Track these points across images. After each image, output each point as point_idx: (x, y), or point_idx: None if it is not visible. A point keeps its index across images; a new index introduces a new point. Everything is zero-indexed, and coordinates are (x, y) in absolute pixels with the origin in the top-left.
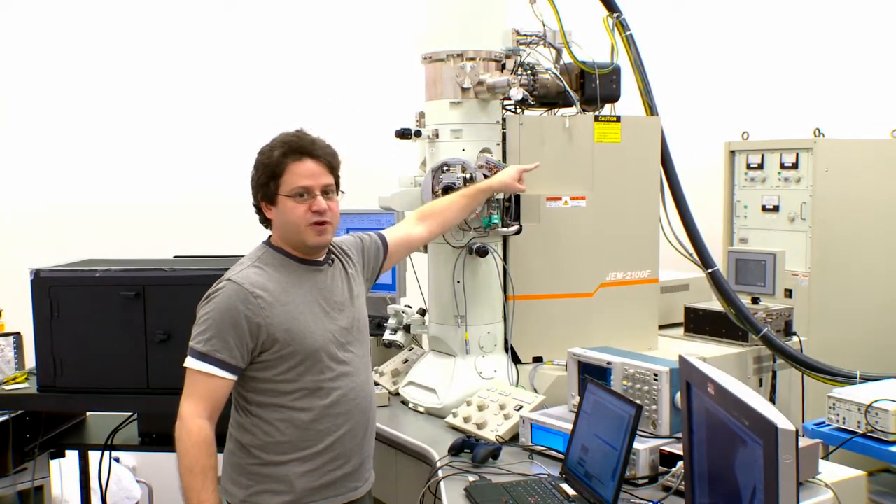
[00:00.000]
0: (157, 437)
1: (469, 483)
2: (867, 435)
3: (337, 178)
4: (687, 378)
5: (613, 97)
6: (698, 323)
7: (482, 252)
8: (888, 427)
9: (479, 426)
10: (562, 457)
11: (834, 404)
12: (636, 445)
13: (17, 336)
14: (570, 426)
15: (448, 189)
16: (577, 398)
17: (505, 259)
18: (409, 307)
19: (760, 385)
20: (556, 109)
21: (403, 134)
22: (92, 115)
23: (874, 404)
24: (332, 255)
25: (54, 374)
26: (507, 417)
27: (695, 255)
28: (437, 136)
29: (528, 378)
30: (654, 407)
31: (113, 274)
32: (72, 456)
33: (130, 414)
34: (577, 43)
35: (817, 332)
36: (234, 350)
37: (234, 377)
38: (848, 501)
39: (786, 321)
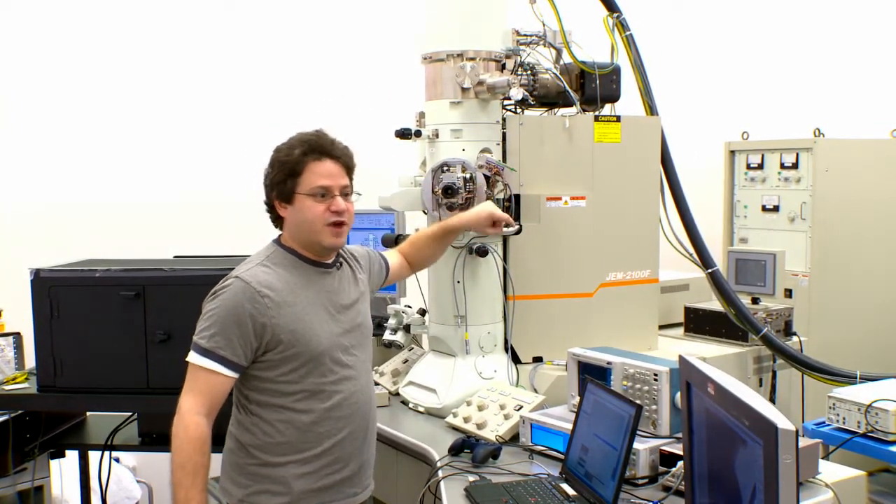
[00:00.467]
0: (157, 437)
1: (469, 483)
2: (867, 435)
3: (352, 179)
4: (687, 378)
5: (613, 97)
6: (698, 323)
7: (482, 252)
8: (888, 427)
9: (479, 426)
10: (562, 457)
11: (834, 404)
12: (636, 445)
13: (17, 336)
14: (570, 426)
15: (448, 189)
16: (577, 398)
17: (505, 259)
18: (409, 307)
19: (760, 385)
20: (556, 109)
21: (403, 134)
22: (92, 115)
23: (874, 404)
24: (341, 259)
25: (54, 374)
26: (507, 417)
27: (695, 255)
28: (437, 135)
29: (528, 378)
30: (654, 407)
31: (113, 274)
32: (72, 456)
33: (130, 414)
34: (577, 43)
35: (817, 332)
36: (237, 348)
37: (235, 375)
38: (848, 501)
39: (786, 321)
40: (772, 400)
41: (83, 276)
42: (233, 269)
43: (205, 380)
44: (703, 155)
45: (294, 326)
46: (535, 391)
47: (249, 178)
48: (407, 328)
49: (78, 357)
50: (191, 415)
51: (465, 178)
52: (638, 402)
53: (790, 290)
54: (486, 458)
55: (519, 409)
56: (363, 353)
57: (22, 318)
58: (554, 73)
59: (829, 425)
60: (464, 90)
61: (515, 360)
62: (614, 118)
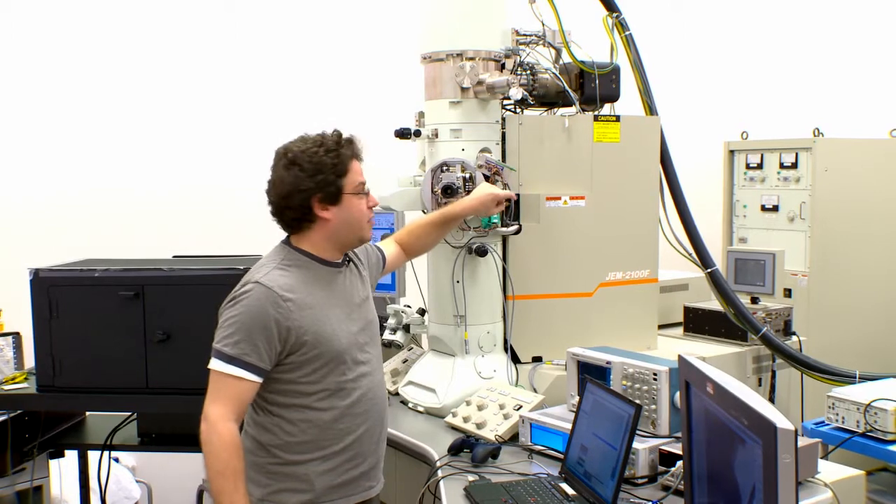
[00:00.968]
0: (157, 436)
1: (468, 483)
2: (866, 434)
3: None
4: (686, 378)
5: (613, 97)
6: (697, 322)
7: (482, 252)
8: (887, 426)
9: (479, 426)
10: (561, 456)
11: (833, 404)
12: (635, 445)
13: (17, 336)
14: (569, 426)
15: (447, 189)
16: (577, 398)
17: (504, 259)
18: (409, 307)
19: (760, 385)
20: (555, 109)
21: (403, 133)
22: (91, 114)
23: (873, 403)
24: (347, 257)
25: (53, 374)
26: (506, 417)
27: (694, 255)
28: (436, 135)
29: (528, 378)
30: (653, 406)
31: (112, 274)
32: (71, 456)
33: (130, 414)
34: (576, 43)
35: (816, 332)
36: (262, 353)
37: (261, 380)
38: (847, 501)
39: (785, 321)
40: (771, 399)
41: (82, 276)
42: (232, 268)
43: (232, 386)
44: (703, 155)
45: (316, 328)
46: (535, 391)
47: (249, 178)
48: (406, 328)
49: (77, 357)
50: (223, 422)
51: (464, 178)
52: (637, 401)
53: (789, 290)
54: (486, 457)
55: (518, 409)
56: (375, 349)
57: (21, 318)
58: (553, 73)
59: (828, 425)
60: (463, 90)
61: (515, 359)
62: (614, 118)
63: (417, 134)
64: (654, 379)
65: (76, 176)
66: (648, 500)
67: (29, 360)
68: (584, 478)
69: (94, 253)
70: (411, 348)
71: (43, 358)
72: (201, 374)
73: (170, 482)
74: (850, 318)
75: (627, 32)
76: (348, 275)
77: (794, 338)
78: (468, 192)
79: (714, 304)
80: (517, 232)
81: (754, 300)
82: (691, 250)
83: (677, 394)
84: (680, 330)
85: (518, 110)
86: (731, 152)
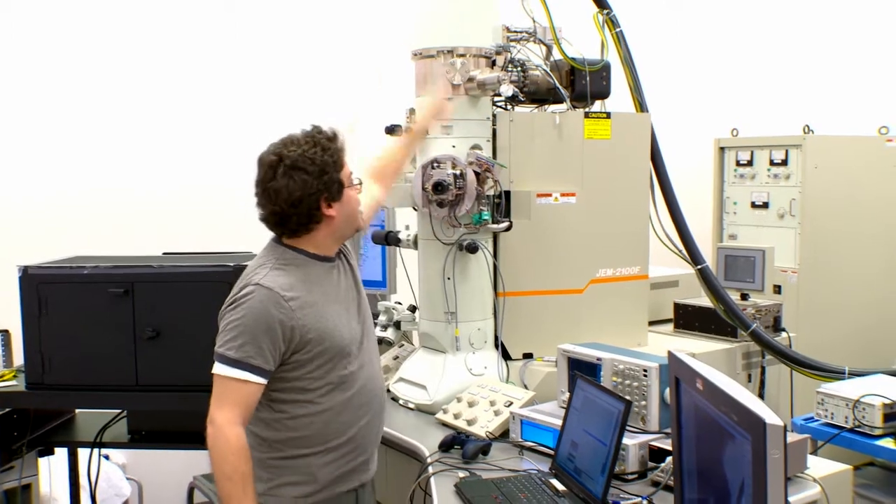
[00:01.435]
0: (147, 434)
1: (459, 479)
2: (854, 430)
3: None
4: (676, 374)
5: (603, 94)
6: (688, 319)
7: (472, 248)
8: (875, 422)
9: (470, 422)
10: (552, 453)
11: (822, 399)
12: (625, 441)
13: (5, 333)
14: (559, 422)
15: (438, 185)
16: (567, 394)
17: (495, 255)
18: (400, 304)
19: (749, 381)
20: (546, 106)
21: (392, 130)
22: (82, 112)
23: (862, 399)
24: (338, 249)
25: (42, 372)
26: (497, 413)
27: (684, 252)
28: (427, 132)
29: (519, 374)
30: (643, 403)
31: (101, 271)
32: (60, 453)
33: (119, 411)
34: (567, 39)
35: (806, 328)
36: (267, 355)
37: (265, 381)
38: (834, 495)
39: (774, 317)
40: (760, 395)
41: (71, 273)
42: (222, 265)
43: (238, 390)
44: (693, 151)
45: (319, 325)
46: (525, 387)
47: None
48: (397, 325)
49: (66, 354)
50: (230, 426)
51: (455, 175)
52: (627, 397)
53: (779, 287)
54: (476, 454)
55: (509, 406)
56: (370, 341)
57: (10, 316)
58: (544, 70)
59: (817, 420)
60: (454, 86)
61: (505, 356)
62: (604, 115)
63: (408, 130)
64: (644, 375)
65: (66, 174)
66: (638, 496)
67: (18, 358)
68: (574, 474)
69: (84, 250)
70: (402, 345)
71: (32, 355)
72: (191, 371)
73: (160, 479)
74: (839, 314)
75: (618, 29)
76: (341, 268)
77: (784, 334)
78: (459, 189)
79: (704, 300)
80: (508, 228)
81: (744, 297)
82: (681, 247)
83: (667, 390)
84: (670, 326)
85: (509, 107)
86: (722, 149)
